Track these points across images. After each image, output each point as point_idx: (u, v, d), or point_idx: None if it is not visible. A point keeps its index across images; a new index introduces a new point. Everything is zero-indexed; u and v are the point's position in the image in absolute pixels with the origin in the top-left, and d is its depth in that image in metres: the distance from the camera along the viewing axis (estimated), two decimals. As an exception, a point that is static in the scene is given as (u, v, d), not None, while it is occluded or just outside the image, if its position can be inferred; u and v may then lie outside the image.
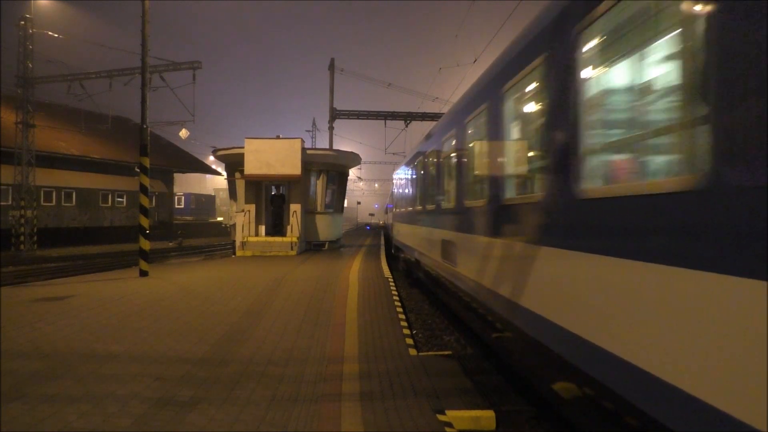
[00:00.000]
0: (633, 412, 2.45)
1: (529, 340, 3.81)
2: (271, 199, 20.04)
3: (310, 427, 3.61)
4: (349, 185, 28.89)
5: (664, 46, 2.54)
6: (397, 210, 15.80)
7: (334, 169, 20.75)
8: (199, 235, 42.48)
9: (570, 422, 3.69)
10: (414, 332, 7.48)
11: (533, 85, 3.94)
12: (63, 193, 30.31)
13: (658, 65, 2.63)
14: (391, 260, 17.02)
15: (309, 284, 10.56)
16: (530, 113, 4.13)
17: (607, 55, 2.93)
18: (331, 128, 30.75)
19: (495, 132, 4.83)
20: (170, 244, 31.63)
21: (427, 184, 9.25)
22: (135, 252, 14.31)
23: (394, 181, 17.59)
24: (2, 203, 25.55)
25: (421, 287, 12.04)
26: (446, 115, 8.06)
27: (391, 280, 11.51)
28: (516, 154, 4.51)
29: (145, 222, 12.05)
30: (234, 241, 19.22)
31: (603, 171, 3.04)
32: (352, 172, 34.46)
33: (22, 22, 23.03)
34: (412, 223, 11.46)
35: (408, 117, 29.50)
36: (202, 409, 3.89)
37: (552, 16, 3.48)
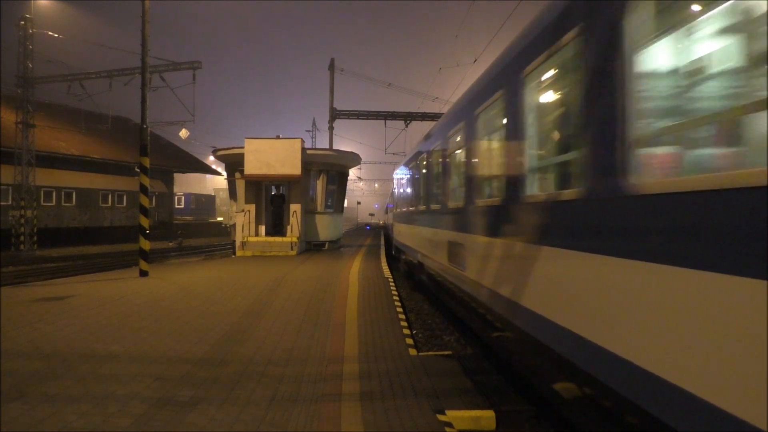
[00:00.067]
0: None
1: (560, 360, 3.24)
2: (271, 199, 20.04)
3: (310, 427, 3.61)
4: (349, 185, 28.92)
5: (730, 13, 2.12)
6: (398, 210, 15.14)
7: (334, 169, 20.75)
8: (199, 235, 42.48)
9: (570, 422, 3.69)
10: (414, 332, 7.47)
11: (563, 66, 3.36)
12: (63, 193, 30.32)
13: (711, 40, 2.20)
14: (391, 260, 17.02)
15: (309, 284, 10.56)
16: (562, 96, 3.50)
17: (666, 25, 2.43)
18: (331, 128, 30.76)
19: (517, 122, 4.11)
20: (170, 244, 31.63)
21: (431, 183, 8.70)
22: (135, 252, 14.31)
23: (395, 181, 16.80)
24: (2, 203, 25.55)
25: (424, 290, 11.55)
26: (455, 105, 7.16)
27: (391, 280, 11.51)
28: (545, 145, 3.89)
29: (145, 222, 12.05)
30: (234, 241, 19.22)
31: (662, 162, 2.51)
32: (352, 172, 34.48)
33: (22, 22, 23.04)
34: (414, 223, 10.87)
35: (408, 117, 29.50)
36: (202, 409, 3.89)
37: None
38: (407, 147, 13.71)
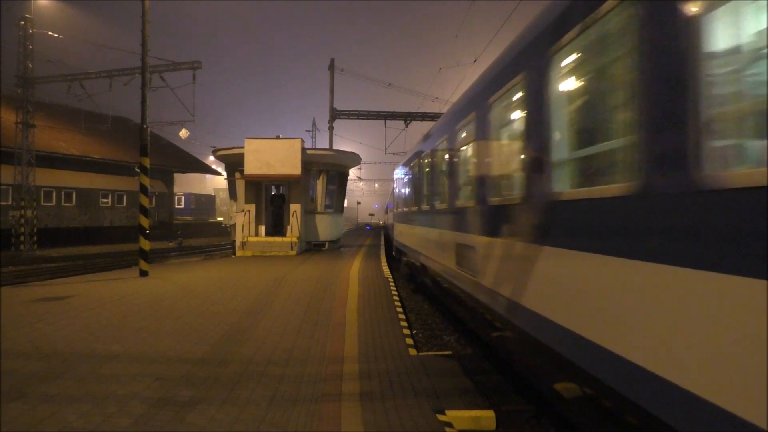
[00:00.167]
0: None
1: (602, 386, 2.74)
2: (271, 199, 20.04)
3: (310, 427, 3.61)
4: (349, 185, 28.91)
5: None
6: (399, 209, 14.35)
7: (334, 169, 20.75)
8: (199, 235, 42.49)
9: (570, 422, 3.69)
10: (414, 332, 7.47)
11: (606, 38, 2.89)
12: (63, 193, 30.32)
13: None
14: (391, 260, 17.02)
15: (309, 284, 10.56)
16: (610, 74, 2.99)
17: None
18: (331, 128, 30.77)
19: (547, 106, 3.54)
20: (170, 244, 31.64)
21: (436, 180, 8.07)
22: (135, 252, 14.32)
23: (396, 179, 15.83)
24: (2, 203, 25.55)
25: (425, 293, 11.16)
26: (465, 95, 6.42)
27: (391, 280, 11.51)
28: (585, 133, 3.30)
29: (145, 222, 12.05)
30: (234, 241, 19.22)
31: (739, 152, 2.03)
32: (352, 172, 34.48)
33: (22, 22, 23.05)
34: (417, 223, 10.20)
35: (408, 117, 29.51)
36: (202, 409, 3.89)
37: None
38: (407, 147, 13.28)
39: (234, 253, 18.75)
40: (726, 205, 1.88)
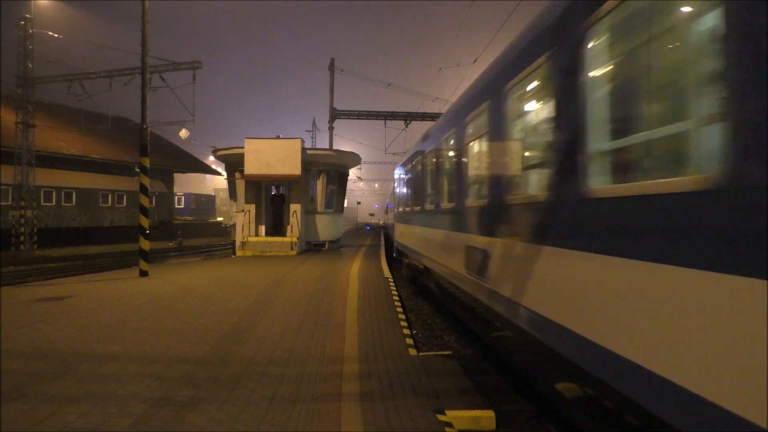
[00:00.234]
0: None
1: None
2: (271, 199, 20.05)
3: (310, 427, 3.61)
4: (349, 185, 28.92)
5: None
6: (401, 209, 13.62)
7: (334, 169, 20.76)
8: (199, 235, 42.49)
9: (570, 422, 3.69)
10: (414, 332, 7.47)
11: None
12: (63, 193, 30.33)
13: None
14: (391, 261, 17.01)
15: (309, 284, 10.56)
16: (663, 50, 2.50)
17: None
18: (331, 128, 30.78)
19: (580, 89, 3.00)
20: (170, 244, 31.67)
21: (442, 178, 7.52)
22: (135, 252, 14.32)
23: (397, 178, 14.94)
24: (2, 203, 25.55)
25: (430, 298, 10.67)
26: (476, 83, 5.80)
27: (391, 280, 11.51)
28: (632, 119, 2.78)
29: (145, 222, 12.06)
30: (234, 241, 19.23)
31: None
32: (352, 172, 34.48)
33: (22, 22, 23.05)
34: (420, 224, 9.59)
35: (408, 117, 29.52)
36: (202, 409, 3.89)
37: None
38: (407, 147, 12.96)
39: (234, 253, 18.76)
40: None
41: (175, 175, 43.01)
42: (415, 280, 11.79)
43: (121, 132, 34.00)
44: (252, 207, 19.10)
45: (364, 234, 36.89)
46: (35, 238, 24.42)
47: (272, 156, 18.04)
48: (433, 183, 8.35)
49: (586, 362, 2.83)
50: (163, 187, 38.82)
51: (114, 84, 21.71)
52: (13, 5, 28.22)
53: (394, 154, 31.47)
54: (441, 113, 25.50)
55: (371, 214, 71.07)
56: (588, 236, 2.87)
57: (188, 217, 52.42)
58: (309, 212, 19.89)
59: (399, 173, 14.14)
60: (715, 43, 2.01)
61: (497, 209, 4.63)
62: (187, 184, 71.47)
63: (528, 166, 4.20)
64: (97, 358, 5.16)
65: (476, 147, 5.70)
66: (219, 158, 20.60)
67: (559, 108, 3.33)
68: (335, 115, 30.38)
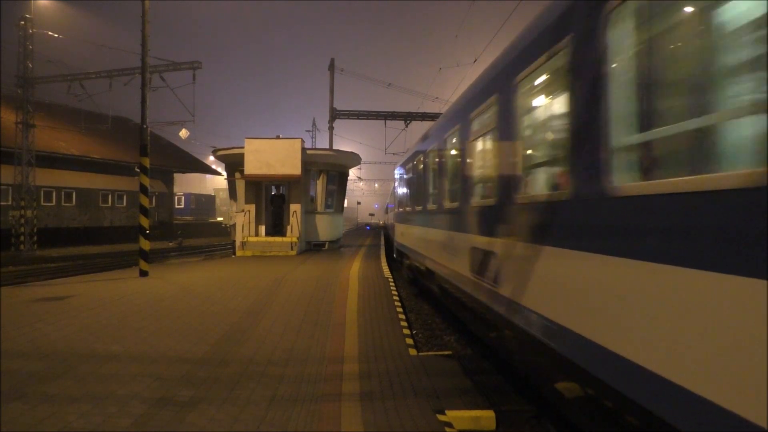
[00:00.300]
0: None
1: None
2: (271, 199, 20.05)
3: (310, 427, 3.61)
4: (349, 185, 28.93)
5: None
6: (401, 209, 13.17)
7: (334, 169, 20.76)
8: (199, 235, 42.50)
9: (570, 422, 3.69)
10: (414, 332, 7.47)
11: None
12: (63, 193, 30.33)
13: None
14: (391, 261, 17.01)
15: (309, 284, 10.56)
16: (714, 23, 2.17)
17: None
18: (331, 128, 30.77)
19: (600, 72, 2.74)
20: (170, 244, 31.67)
21: (446, 176, 7.11)
22: (135, 252, 14.31)
23: (397, 177, 14.41)
24: (2, 203, 25.56)
25: (432, 301, 10.32)
26: (483, 75, 5.41)
27: (391, 280, 11.51)
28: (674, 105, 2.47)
29: (145, 222, 12.06)
30: (234, 241, 19.23)
31: None
32: (352, 172, 34.49)
33: (22, 22, 23.05)
34: (422, 224, 9.16)
35: (408, 117, 29.51)
36: (202, 409, 3.89)
37: None
38: (407, 147, 12.68)
39: (234, 253, 18.76)
40: None
41: (175, 175, 43.01)
42: (416, 282, 11.52)
43: (121, 132, 34.00)
44: (252, 207, 19.10)
45: (364, 234, 36.89)
46: (35, 238, 24.42)
47: (272, 156, 18.05)
48: (436, 182, 7.91)
49: (647, 399, 2.25)
50: (163, 187, 38.82)
51: (114, 84, 21.70)
52: (13, 5, 28.24)
53: (394, 154, 31.48)
54: (441, 113, 25.50)
55: (371, 214, 71.05)
56: (627, 240, 2.44)
57: (188, 217, 52.43)
58: (309, 212, 19.89)
59: (400, 173, 13.61)
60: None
61: (505, 209, 4.27)
62: (187, 184, 71.50)
63: (546, 162, 3.88)
64: (97, 358, 5.16)
65: (485, 143, 5.24)
66: (219, 158, 20.60)
67: (582, 98, 2.99)
68: (335, 115, 30.37)
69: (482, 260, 4.93)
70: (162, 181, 38.45)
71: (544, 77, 3.76)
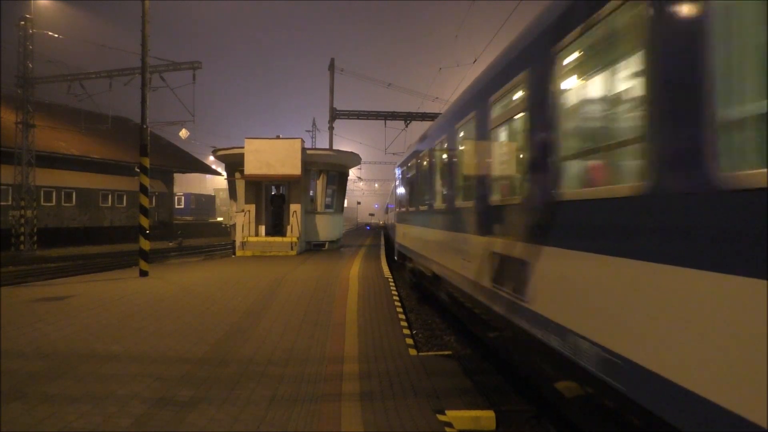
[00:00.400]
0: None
1: None
2: (271, 199, 20.06)
3: (310, 427, 3.61)
4: (349, 185, 28.93)
5: None
6: (403, 209, 12.09)
7: (334, 169, 20.76)
8: (199, 235, 42.49)
9: (570, 422, 3.69)
10: (414, 332, 7.47)
11: None
12: (63, 193, 30.33)
13: None
14: (391, 261, 17.01)
15: (309, 284, 10.56)
16: None
17: None
18: (331, 128, 30.77)
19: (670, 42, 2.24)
20: (170, 244, 31.67)
21: (458, 171, 6.26)
22: (135, 252, 14.31)
23: (399, 176, 13.30)
24: (2, 203, 25.55)
25: (436, 307, 9.61)
26: (503, 55, 4.68)
27: (391, 280, 11.51)
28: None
29: (145, 222, 12.06)
30: (234, 241, 19.24)
31: None
32: (352, 172, 34.49)
33: (22, 22, 23.05)
34: (428, 225, 8.26)
35: (408, 117, 29.52)
36: (202, 409, 3.89)
37: None
38: (407, 147, 12.31)
39: (234, 253, 18.76)
40: None
41: (175, 175, 43.02)
42: (419, 286, 10.89)
43: (121, 132, 34.00)
44: (252, 207, 19.10)
45: (364, 234, 36.89)
46: (35, 238, 24.42)
47: (272, 156, 18.05)
48: (444, 178, 6.99)
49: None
50: (163, 187, 38.82)
51: (114, 84, 21.70)
52: (13, 5, 28.25)
53: (394, 154, 31.47)
54: (441, 113, 25.43)
55: (371, 214, 71.06)
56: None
57: (188, 217, 52.44)
58: (309, 212, 19.89)
59: (402, 170, 12.53)
60: None
61: (539, 208, 3.55)
62: (187, 184, 71.50)
63: (597, 150, 3.14)
64: (97, 358, 5.16)
65: (510, 130, 4.55)
66: (219, 158, 20.61)
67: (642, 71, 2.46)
68: (335, 115, 30.37)
69: (506, 269, 4.17)
70: (162, 181, 38.45)
71: (594, 42, 3.03)
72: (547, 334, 3.34)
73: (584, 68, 3.22)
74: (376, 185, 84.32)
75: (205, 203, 65.42)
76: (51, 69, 23.39)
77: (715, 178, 1.93)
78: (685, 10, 2.15)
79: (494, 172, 4.89)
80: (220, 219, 58.27)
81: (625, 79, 2.80)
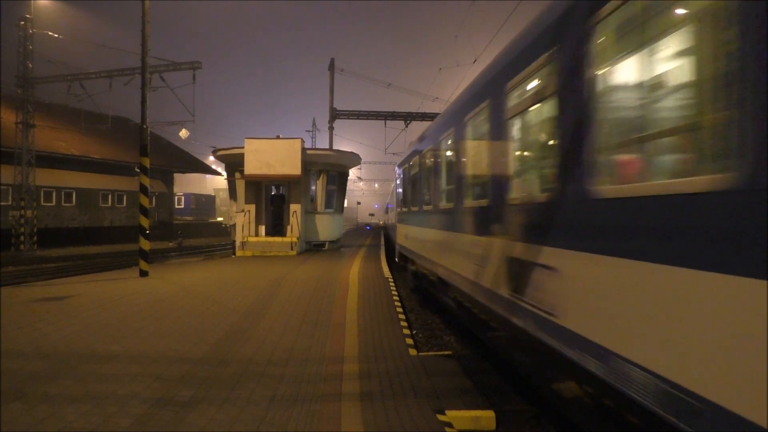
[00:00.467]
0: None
1: None
2: (271, 199, 20.06)
3: (310, 427, 3.61)
4: (349, 185, 28.95)
5: None
6: (406, 209, 11.22)
7: (334, 169, 20.77)
8: (199, 235, 42.50)
9: (570, 422, 3.69)
10: (414, 332, 7.47)
11: None
12: (63, 193, 30.33)
13: None
14: (391, 261, 17.00)
15: (309, 284, 10.56)
16: None
17: None
18: (331, 128, 30.76)
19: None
20: (170, 244, 31.67)
21: (471, 167, 5.60)
22: (135, 252, 14.32)
23: (400, 174, 12.43)
24: (2, 203, 25.56)
25: (440, 314, 9.13)
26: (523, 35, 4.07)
27: (391, 280, 11.51)
28: None
29: (145, 222, 12.06)
30: (234, 241, 19.24)
31: None
32: (352, 172, 34.50)
33: (22, 22, 23.05)
34: (435, 226, 7.52)
35: (408, 117, 29.51)
36: (202, 409, 3.89)
37: None
38: (408, 145, 11.95)
39: (234, 253, 18.77)
40: None
41: (175, 175, 43.01)
42: (420, 289, 10.38)
43: (121, 132, 34.01)
44: (252, 207, 19.11)
45: (364, 234, 36.90)
46: (35, 238, 24.42)
47: (272, 156, 18.05)
48: (455, 175, 6.28)
49: None
50: (163, 187, 38.82)
51: (114, 84, 21.70)
52: (13, 5, 28.24)
53: (394, 154, 31.46)
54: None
55: (371, 214, 71.13)
56: None
57: (188, 217, 52.43)
58: (309, 212, 19.90)
59: (404, 169, 11.63)
60: None
61: (573, 207, 3.03)
62: (187, 184, 71.49)
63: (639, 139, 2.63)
64: (97, 358, 5.16)
65: (520, 123, 4.10)
66: (219, 158, 20.61)
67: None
68: (335, 115, 30.37)
69: (530, 277, 3.67)
70: (162, 181, 38.45)
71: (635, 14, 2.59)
72: (584, 357, 2.82)
73: (636, 38, 2.60)
74: (376, 185, 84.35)
75: (205, 203, 65.42)
76: (51, 69, 23.42)
77: None
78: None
79: (515, 166, 4.26)
80: (220, 219, 58.28)
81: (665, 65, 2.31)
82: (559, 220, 3.25)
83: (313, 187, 20.24)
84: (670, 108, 2.52)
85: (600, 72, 2.78)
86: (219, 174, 43.95)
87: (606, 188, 2.67)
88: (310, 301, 8.60)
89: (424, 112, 29.45)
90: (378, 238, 29.80)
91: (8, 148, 24.15)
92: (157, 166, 32.11)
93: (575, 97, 3.01)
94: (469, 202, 5.53)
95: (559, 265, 3.19)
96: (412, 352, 5.66)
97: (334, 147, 28.50)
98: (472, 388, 4.56)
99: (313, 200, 20.19)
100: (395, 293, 9.68)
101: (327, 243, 20.47)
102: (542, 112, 3.71)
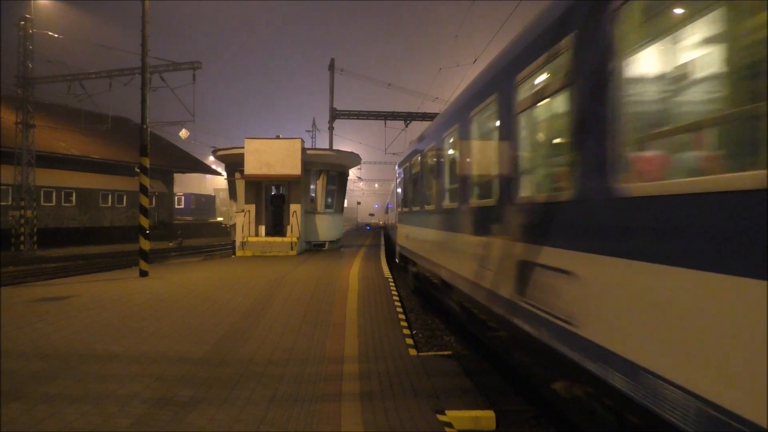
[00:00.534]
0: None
1: None
2: (271, 199, 20.06)
3: (310, 427, 3.61)
4: (349, 185, 28.95)
5: None
6: (407, 209, 10.85)
7: (334, 169, 20.77)
8: (199, 235, 42.50)
9: (570, 422, 3.69)
10: (414, 332, 7.47)
11: None
12: (63, 193, 30.33)
13: None
14: (391, 261, 17.00)
15: (309, 284, 10.56)
16: None
17: None
18: (331, 128, 30.76)
19: None
20: (170, 244, 31.67)
21: (478, 165, 5.32)
22: (135, 252, 14.32)
23: (401, 174, 12.05)
24: (2, 203, 25.56)
25: (442, 318, 8.88)
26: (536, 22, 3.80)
27: (391, 280, 11.51)
28: None
29: (145, 222, 12.06)
30: (234, 241, 19.25)
31: None
32: (352, 172, 34.51)
33: (22, 22, 23.05)
34: (438, 227, 7.20)
35: (408, 117, 29.51)
36: (202, 409, 3.89)
37: None
38: (408, 146, 11.79)
39: (234, 254, 18.77)
40: None
41: (175, 175, 43.01)
42: (421, 291, 10.17)
43: (121, 132, 33.99)
44: (252, 207, 19.11)
45: (364, 234, 36.90)
46: (35, 238, 24.41)
47: (272, 156, 18.06)
48: (461, 173, 5.93)
49: None
50: (163, 187, 38.82)
51: (114, 84, 21.68)
52: (13, 5, 28.21)
53: (394, 154, 31.46)
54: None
55: (371, 214, 71.10)
56: None
57: (188, 217, 52.41)
58: (309, 212, 19.90)
59: (404, 168, 11.21)
60: None
61: (595, 206, 2.77)
62: (187, 184, 71.44)
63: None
64: (97, 358, 5.16)
65: (533, 116, 3.83)
66: (219, 158, 20.61)
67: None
68: (335, 115, 30.37)
69: (545, 282, 3.38)
70: (162, 181, 38.46)
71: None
72: (608, 371, 2.56)
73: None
74: (376, 185, 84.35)
75: (205, 203, 65.40)
76: (51, 69, 23.41)
77: None
78: None
79: (527, 163, 3.99)
80: (220, 219, 58.25)
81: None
82: (580, 220, 2.94)
83: (313, 187, 20.24)
84: (723, 97, 2.18)
85: (630, 58, 2.50)
86: (219, 174, 43.97)
87: (638, 185, 2.37)
88: (310, 301, 8.60)
89: (424, 112, 29.44)
90: (378, 238, 29.80)
91: (8, 148, 24.14)
92: (157, 166, 32.11)
93: (601, 86, 2.68)
94: (479, 201, 5.15)
95: (578, 270, 2.90)
96: (412, 352, 5.66)
97: (334, 147, 28.51)
98: (472, 388, 4.56)
99: (313, 200, 20.20)
100: (395, 293, 9.68)
101: (327, 243, 20.47)
102: (561, 104, 3.35)
